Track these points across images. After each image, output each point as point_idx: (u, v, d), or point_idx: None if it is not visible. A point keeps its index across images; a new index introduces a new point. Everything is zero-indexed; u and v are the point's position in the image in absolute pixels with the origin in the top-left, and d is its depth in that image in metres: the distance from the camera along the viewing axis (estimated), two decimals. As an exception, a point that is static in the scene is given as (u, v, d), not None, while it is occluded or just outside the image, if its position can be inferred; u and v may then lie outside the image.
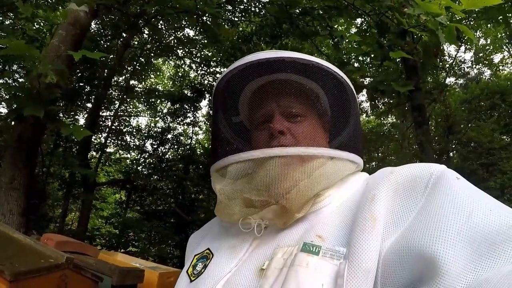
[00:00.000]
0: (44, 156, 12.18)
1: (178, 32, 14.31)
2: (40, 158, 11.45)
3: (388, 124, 23.56)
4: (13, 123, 4.22)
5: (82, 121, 15.15)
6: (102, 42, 12.39)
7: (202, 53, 15.71)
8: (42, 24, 9.14)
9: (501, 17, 16.57)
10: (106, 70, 13.14)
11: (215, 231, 1.12)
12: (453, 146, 18.76)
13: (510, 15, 17.01)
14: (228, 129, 1.10)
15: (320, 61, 0.99)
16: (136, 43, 14.55)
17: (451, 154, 18.81)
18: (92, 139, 14.38)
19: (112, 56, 13.05)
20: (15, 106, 3.96)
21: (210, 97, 16.31)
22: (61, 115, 12.36)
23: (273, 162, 0.86)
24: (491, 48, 23.10)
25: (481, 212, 0.64)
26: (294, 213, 0.88)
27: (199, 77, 16.88)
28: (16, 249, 1.91)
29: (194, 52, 15.72)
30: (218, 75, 16.10)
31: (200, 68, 16.27)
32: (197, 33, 13.68)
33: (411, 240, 0.66)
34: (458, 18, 3.29)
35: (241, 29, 11.96)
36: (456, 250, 0.60)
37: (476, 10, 16.85)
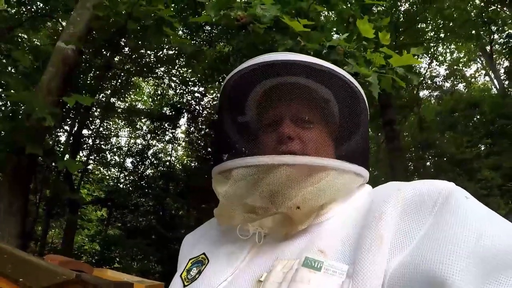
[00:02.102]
0: (37, 183, 12.36)
1: (159, 53, 14.58)
2: (33, 185, 11.64)
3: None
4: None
5: (63, 139, 15.22)
6: (83, 62, 12.59)
7: (181, 71, 16.01)
8: (30, 57, 9.40)
9: (473, 31, 17.30)
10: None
11: (211, 235, 1.08)
12: (430, 157, 18.98)
13: (481, 30, 17.80)
14: (235, 129, 1.07)
15: (336, 69, 0.97)
16: (116, 60, 14.73)
17: (428, 163, 19.16)
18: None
19: (92, 75, 13.29)
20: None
21: (189, 115, 16.49)
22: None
23: (281, 170, 0.83)
24: (463, 61, 23.86)
25: (491, 234, 0.63)
26: (297, 224, 0.86)
27: (178, 96, 17.14)
28: (31, 268, 2.22)
29: (173, 71, 16.04)
30: (196, 94, 16.39)
31: (180, 87, 16.58)
32: (175, 52, 13.97)
33: (419, 262, 0.65)
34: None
35: (218, 49, 12.20)
36: (466, 273, 0.59)
37: (446, 32, 17.59)
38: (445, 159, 17.05)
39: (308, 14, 4.22)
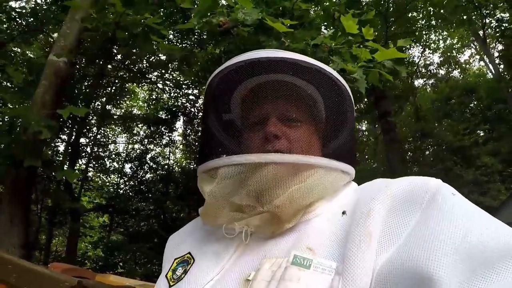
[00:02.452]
0: (38, 193, 12.47)
1: (151, 58, 14.63)
2: (34, 195, 11.75)
3: (362, 130, 23.96)
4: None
5: (62, 148, 15.31)
6: (76, 72, 12.66)
7: (174, 75, 16.06)
8: (25, 69, 9.48)
9: (465, 16, 17.27)
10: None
11: (197, 234, 1.05)
12: (428, 147, 18.89)
13: (473, 14, 17.72)
14: (221, 127, 1.05)
15: (323, 66, 0.96)
16: (109, 68, 14.77)
17: (427, 153, 19.03)
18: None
19: (87, 84, 13.39)
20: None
21: (185, 118, 16.49)
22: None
23: (268, 168, 0.82)
24: (457, 47, 23.66)
25: (477, 230, 0.63)
26: (284, 223, 0.85)
27: (173, 99, 17.18)
28: (34, 277, 2.32)
29: (166, 76, 16.12)
30: (191, 96, 16.42)
31: (174, 91, 16.64)
32: (167, 57, 13.93)
33: (406, 259, 0.65)
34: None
35: (209, 51, 12.22)
36: (452, 269, 0.59)
37: (437, 19, 17.55)
38: (443, 147, 16.95)
39: (293, 13, 4.28)
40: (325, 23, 5.35)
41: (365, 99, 17.48)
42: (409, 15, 17.08)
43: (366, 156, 23.44)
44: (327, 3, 5.22)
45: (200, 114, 16.00)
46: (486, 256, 0.59)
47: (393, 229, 0.73)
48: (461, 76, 24.33)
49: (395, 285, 0.64)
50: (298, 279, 0.70)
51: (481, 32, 19.36)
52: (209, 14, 3.72)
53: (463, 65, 24.98)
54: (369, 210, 0.76)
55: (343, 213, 0.85)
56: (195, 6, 4.18)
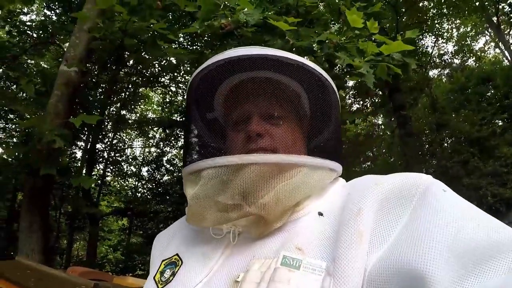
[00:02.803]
0: (56, 200, 12.72)
1: (162, 62, 14.71)
2: (53, 201, 12.01)
3: (378, 124, 23.80)
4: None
5: (79, 154, 15.53)
6: (89, 80, 12.80)
7: (186, 77, 15.98)
8: (39, 79, 9.67)
9: (477, 3, 16.98)
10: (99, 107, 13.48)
11: (184, 234, 1.04)
12: (445, 138, 18.55)
13: (485, 0, 17.36)
14: (203, 129, 1.04)
15: (305, 61, 0.94)
16: (122, 74, 14.92)
17: (445, 145, 18.66)
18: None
19: (101, 91, 13.57)
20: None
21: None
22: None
23: (251, 169, 0.81)
24: (471, 35, 23.13)
25: (469, 227, 0.63)
26: (272, 223, 0.84)
27: (186, 101, 17.07)
28: (52, 281, 2.41)
29: (178, 78, 16.19)
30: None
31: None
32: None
33: (398, 257, 0.64)
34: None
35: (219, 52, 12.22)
36: (444, 267, 0.59)
37: (449, 7, 17.25)
38: (461, 138, 16.66)
39: (297, 10, 4.28)
40: (332, 18, 5.33)
41: (380, 92, 17.35)
42: (420, 4, 16.70)
43: (384, 150, 23.31)
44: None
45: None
46: (478, 253, 0.59)
47: (383, 227, 0.72)
48: (477, 64, 23.87)
49: (387, 285, 0.64)
50: (288, 280, 0.69)
51: (495, 19, 18.80)
52: (212, 16, 3.75)
53: (478, 53, 24.51)
54: (359, 209, 0.75)
55: (320, 214, 0.85)
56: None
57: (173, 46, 5.19)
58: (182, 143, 17.58)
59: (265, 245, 0.83)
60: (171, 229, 1.14)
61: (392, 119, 19.11)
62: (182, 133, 17.12)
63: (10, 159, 5.59)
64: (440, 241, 0.61)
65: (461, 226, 0.63)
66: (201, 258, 0.89)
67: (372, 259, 0.69)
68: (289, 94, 0.96)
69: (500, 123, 16.68)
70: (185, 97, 16.39)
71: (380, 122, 23.94)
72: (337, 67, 4.52)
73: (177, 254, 0.97)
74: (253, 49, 0.92)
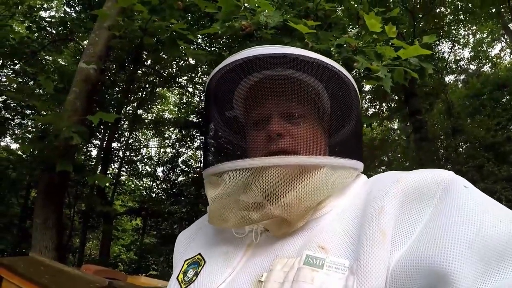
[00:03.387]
0: (71, 198, 12.82)
1: (180, 62, 14.77)
2: (67, 199, 12.09)
3: (394, 129, 23.67)
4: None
5: (94, 153, 15.65)
6: (107, 78, 12.89)
7: (204, 78, 16.08)
8: (56, 76, 9.74)
9: (493, 9, 16.89)
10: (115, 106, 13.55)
11: (206, 233, 1.04)
12: (461, 144, 18.30)
13: (501, 7, 17.28)
14: (223, 129, 1.03)
15: (324, 59, 0.92)
16: (140, 73, 15.07)
17: (460, 150, 18.41)
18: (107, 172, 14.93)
19: (118, 89, 13.66)
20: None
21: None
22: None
23: (272, 171, 0.81)
24: (487, 41, 22.96)
25: (491, 223, 0.62)
26: (294, 223, 0.83)
27: (203, 103, 17.03)
28: (66, 278, 2.41)
29: (196, 79, 16.25)
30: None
31: (204, 94, 16.60)
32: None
33: (421, 254, 0.64)
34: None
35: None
36: (467, 264, 0.58)
37: (466, 14, 17.19)
38: (476, 143, 16.53)
39: (317, 14, 4.26)
40: (350, 23, 5.32)
41: (396, 97, 17.29)
42: (437, 10, 16.80)
43: (399, 155, 23.18)
44: (351, 2, 5.19)
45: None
46: (500, 250, 0.59)
47: (406, 225, 0.72)
48: (492, 70, 23.65)
49: (410, 282, 0.63)
50: (312, 279, 0.68)
51: (511, 25, 18.84)
52: (232, 18, 3.74)
53: (494, 59, 24.36)
54: (381, 207, 0.75)
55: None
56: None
57: (191, 47, 5.19)
58: (198, 144, 17.89)
59: (287, 244, 0.82)
60: (192, 229, 1.14)
61: (408, 123, 19.14)
62: (198, 134, 17.24)
63: (24, 155, 5.64)
64: (463, 238, 0.61)
65: (482, 223, 0.63)
66: (223, 258, 0.89)
67: (395, 257, 0.68)
68: (309, 93, 0.95)
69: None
70: (202, 98, 16.74)
71: (395, 126, 23.84)
72: (354, 71, 4.50)
73: (199, 254, 0.96)
74: (271, 48, 0.90)
